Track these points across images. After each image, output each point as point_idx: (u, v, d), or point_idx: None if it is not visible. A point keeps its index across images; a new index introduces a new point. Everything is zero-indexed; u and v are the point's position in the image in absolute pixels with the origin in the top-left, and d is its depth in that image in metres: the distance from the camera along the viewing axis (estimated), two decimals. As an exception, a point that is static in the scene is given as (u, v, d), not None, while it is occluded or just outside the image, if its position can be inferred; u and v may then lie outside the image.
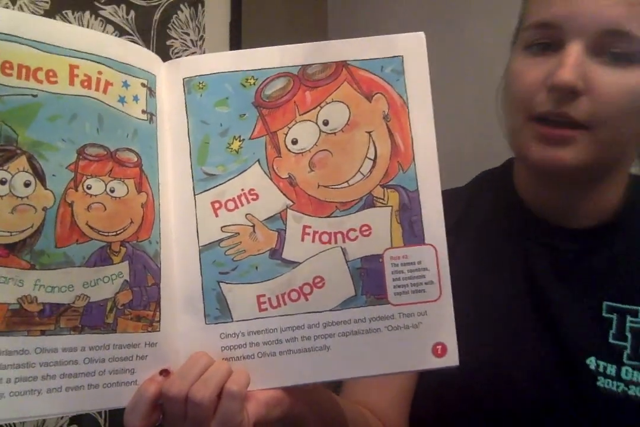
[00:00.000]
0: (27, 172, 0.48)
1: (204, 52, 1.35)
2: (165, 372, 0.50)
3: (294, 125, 0.53)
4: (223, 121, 0.53)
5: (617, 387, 0.61)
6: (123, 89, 0.52)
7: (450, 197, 0.64)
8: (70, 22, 1.15)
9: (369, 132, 0.53)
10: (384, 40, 0.54)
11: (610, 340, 0.63)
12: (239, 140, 0.53)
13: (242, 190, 0.53)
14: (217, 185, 0.53)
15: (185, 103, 0.53)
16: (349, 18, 1.62)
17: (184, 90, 0.53)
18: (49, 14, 1.13)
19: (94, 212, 0.50)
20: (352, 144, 0.53)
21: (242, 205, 0.53)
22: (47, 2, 1.12)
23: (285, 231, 0.53)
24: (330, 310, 0.52)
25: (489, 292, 0.69)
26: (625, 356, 0.62)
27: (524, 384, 0.64)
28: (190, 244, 0.53)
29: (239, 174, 0.53)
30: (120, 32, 1.22)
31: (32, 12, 1.10)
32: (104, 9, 1.20)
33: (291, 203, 0.53)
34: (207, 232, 0.53)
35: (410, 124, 0.54)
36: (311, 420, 0.56)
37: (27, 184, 0.48)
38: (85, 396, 0.49)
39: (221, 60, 0.54)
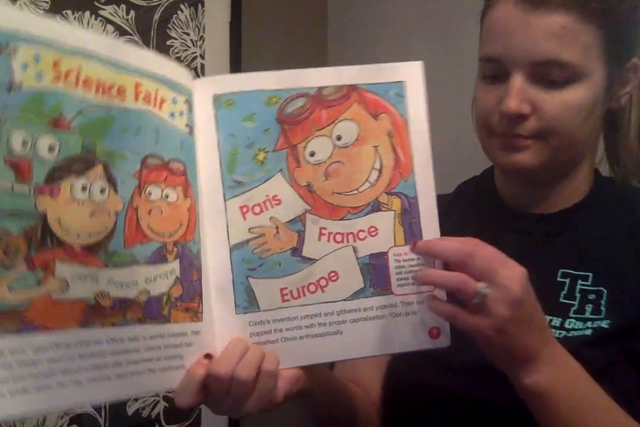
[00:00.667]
0: (102, 179, 0.53)
1: (203, 52, 1.35)
2: (209, 357, 0.59)
3: (311, 139, 0.61)
4: (249, 135, 0.61)
5: (560, 334, 0.71)
6: (172, 105, 0.58)
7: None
8: (70, 22, 1.15)
9: (375, 147, 0.62)
10: (389, 67, 0.63)
11: (561, 300, 0.74)
12: (264, 152, 0.61)
13: (267, 196, 0.61)
14: (244, 192, 0.61)
15: (216, 118, 0.60)
16: (349, 18, 1.62)
17: (214, 106, 0.60)
18: (49, 14, 1.13)
19: (154, 216, 0.57)
20: (361, 157, 0.62)
21: (267, 209, 0.61)
22: (47, 2, 1.12)
23: (304, 231, 0.61)
24: (343, 300, 0.61)
25: None
26: (571, 311, 0.73)
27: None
28: (222, 244, 0.60)
29: (264, 182, 0.61)
30: (120, 32, 1.22)
31: (32, 12, 1.11)
32: (104, 9, 1.20)
33: (309, 208, 0.61)
34: (236, 233, 0.61)
35: (410, 140, 0.63)
36: (318, 392, 0.70)
37: (102, 191, 0.53)
38: (145, 381, 0.55)
39: (248, 80, 0.61)
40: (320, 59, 1.64)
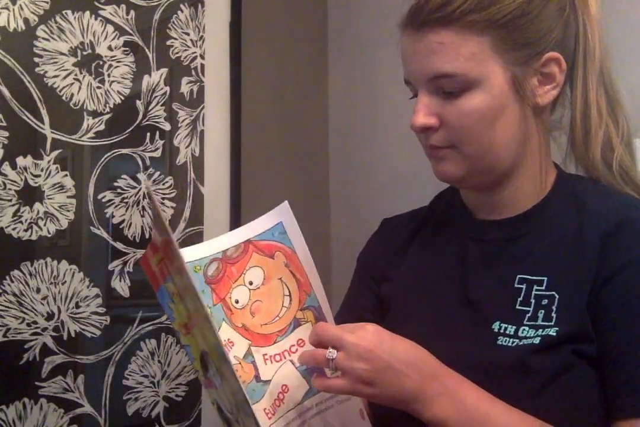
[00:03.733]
0: None
1: (203, 52, 1.35)
2: None
3: (232, 290, 0.75)
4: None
5: (513, 342, 0.74)
6: None
7: (409, 215, 0.97)
8: (70, 22, 1.15)
9: (280, 278, 0.77)
10: (268, 216, 0.77)
11: (517, 306, 0.77)
12: (209, 307, 0.72)
13: (225, 340, 0.73)
14: None
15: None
16: (348, 18, 1.62)
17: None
18: (49, 14, 1.13)
19: None
20: (272, 290, 0.76)
21: (229, 350, 0.73)
22: (47, 2, 1.12)
23: (254, 361, 0.74)
24: (299, 404, 0.75)
25: (433, 285, 0.86)
26: (526, 318, 0.75)
27: (440, 345, 0.75)
28: None
29: (219, 329, 0.74)
30: (120, 32, 1.22)
31: (32, 12, 1.11)
32: (104, 9, 1.20)
33: (250, 342, 0.74)
34: None
35: (302, 264, 0.77)
36: None
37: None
38: None
39: (185, 253, 0.72)
40: (320, 59, 1.64)
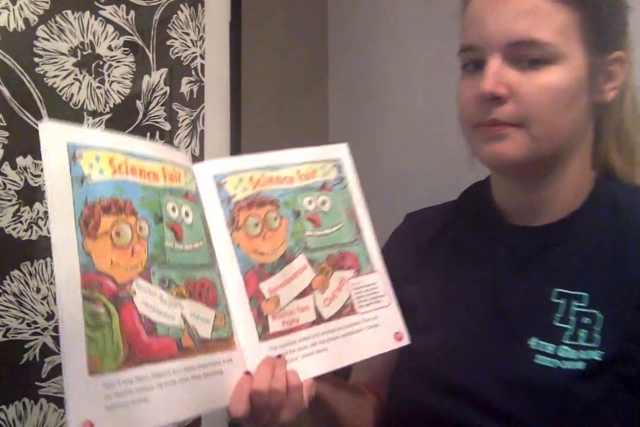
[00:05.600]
0: None
1: (203, 52, 1.35)
2: (248, 373, 0.67)
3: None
4: None
5: (553, 363, 0.70)
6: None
7: (434, 211, 0.90)
8: (70, 22, 1.15)
9: None
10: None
11: (555, 323, 0.71)
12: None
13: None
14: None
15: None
16: (349, 18, 1.62)
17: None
18: (49, 14, 1.13)
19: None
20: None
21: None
22: (47, 2, 1.12)
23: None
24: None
25: (458, 291, 0.80)
26: (566, 337, 0.70)
27: (469, 355, 0.74)
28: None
29: None
30: (120, 32, 1.22)
31: (32, 12, 1.11)
32: (104, 9, 1.20)
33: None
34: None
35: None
36: (329, 392, 0.78)
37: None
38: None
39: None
40: (320, 59, 1.64)
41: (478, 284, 0.79)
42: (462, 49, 0.74)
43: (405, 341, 0.77)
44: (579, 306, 0.71)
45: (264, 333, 0.70)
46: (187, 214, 0.68)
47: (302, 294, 0.73)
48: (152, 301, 0.61)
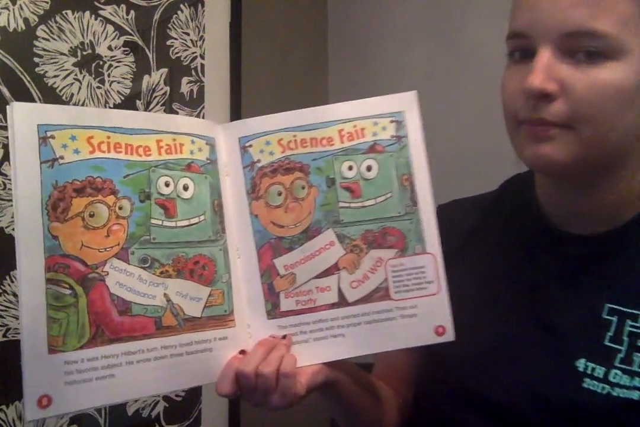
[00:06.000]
0: None
1: (203, 52, 1.35)
2: (243, 352, 0.66)
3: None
4: None
5: (603, 389, 0.64)
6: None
7: (470, 205, 0.82)
8: (70, 22, 1.15)
9: None
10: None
11: (606, 342, 0.66)
12: None
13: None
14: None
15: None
16: (349, 18, 1.62)
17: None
18: (49, 14, 1.13)
19: None
20: None
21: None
22: (47, 2, 1.12)
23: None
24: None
25: (495, 297, 0.74)
26: (617, 359, 0.65)
27: (512, 381, 0.68)
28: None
29: None
30: (120, 32, 1.22)
31: (32, 12, 1.11)
32: (104, 9, 1.20)
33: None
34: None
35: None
36: (346, 382, 0.71)
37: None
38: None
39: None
40: (320, 59, 1.64)
41: (520, 292, 0.72)
42: (510, 36, 0.66)
43: (449, 336, 0.67)
44: (633, 326, 0.65)
45: (274, 310, 0.67)
46: (185, 188, 0.65)
47: (325, 273, 0.67)
48: (128, 281, 0.61)
